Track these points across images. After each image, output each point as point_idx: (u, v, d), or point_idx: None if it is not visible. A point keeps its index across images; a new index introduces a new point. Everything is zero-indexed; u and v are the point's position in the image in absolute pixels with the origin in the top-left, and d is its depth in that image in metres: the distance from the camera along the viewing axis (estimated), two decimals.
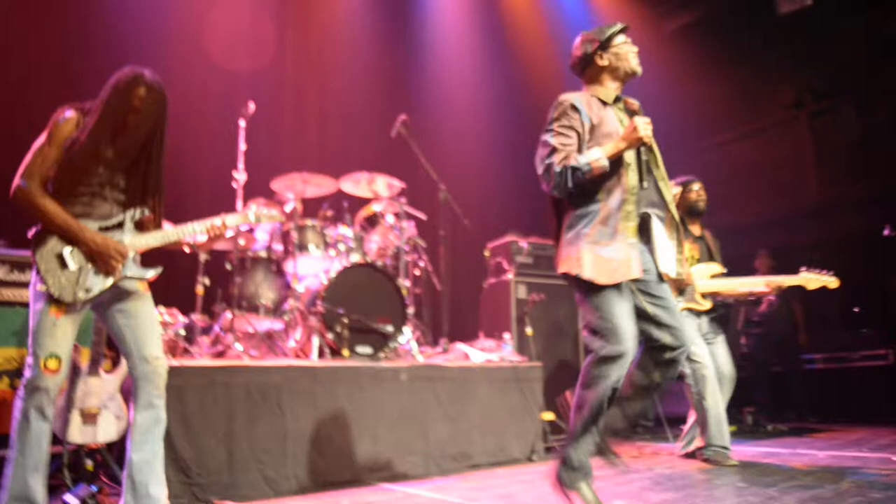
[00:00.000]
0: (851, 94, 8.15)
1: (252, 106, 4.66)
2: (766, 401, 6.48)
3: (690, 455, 4.28)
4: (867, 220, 7.48)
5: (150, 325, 2.71)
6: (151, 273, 2.75)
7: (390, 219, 5.11)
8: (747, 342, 6.71)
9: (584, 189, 2.65)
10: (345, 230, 4.92)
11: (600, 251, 2.63)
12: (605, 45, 2.81)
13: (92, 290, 2.57)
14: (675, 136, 2.77)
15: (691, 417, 4.35)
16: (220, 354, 4.08)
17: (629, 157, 2.70)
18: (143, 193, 2.73)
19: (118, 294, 2.67)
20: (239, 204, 4.44)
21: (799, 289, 4.41)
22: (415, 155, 5.46)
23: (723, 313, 5.79)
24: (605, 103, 2.79)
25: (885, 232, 7.36)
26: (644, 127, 2.61)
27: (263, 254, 4.72)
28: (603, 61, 2.80)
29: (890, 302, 7.26)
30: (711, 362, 4.25)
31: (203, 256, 4.43)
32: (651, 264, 2.72)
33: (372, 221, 5.15)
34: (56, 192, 2.55)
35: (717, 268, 4.46)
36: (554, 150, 2.64)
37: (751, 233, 7.83)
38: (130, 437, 2.65)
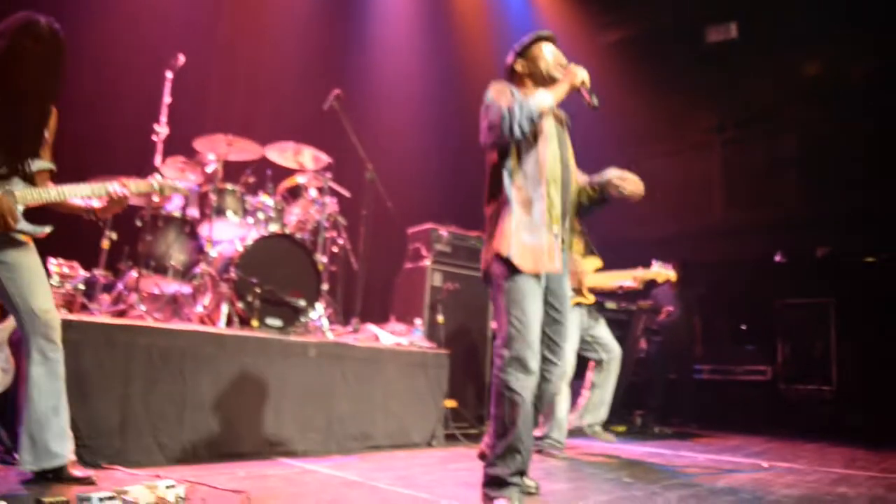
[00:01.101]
0: (763, 125, 8.70)
1: (181, 58, 4.46)
2: (657, 405, 6.83)
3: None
4: (763, 246, 8.01)
5: (34, 276, 2.60)
6: (43, 230, 2.65)
7: (313, 192, 5.02)
8: (647, 349, 7.04)
9: (516, 170, 2.69)
10: (266, 199, 4.81)
11: (525, 237, 2.64)
12: (522, 52, 2.93)
13: None
14: (597, 145, 2.88)
15: (582, 398, 4.60)
16: (122, 314, 3.91)
17: (553, 144, 2.77)
18: (35, 144, 2.61)
19: (1, 246, 2.55)
20: (158, 159, 4.25)
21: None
22: (345, 131, 5.39)
23: (624, 320, 6.08)
24: None
25: (777, 258, 7.93)
26: (581, 71, 2.73)
27: (177, 214, 4.53)
28: (522, 69, 2.92)
29: (773, 323, 7.81)
30: (573, 365, 4.52)
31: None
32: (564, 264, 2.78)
33: (294, 193, 5.06)
34: None
35: (598, 262, 4.69)
36: (497, 104, 2.65)
37: (660, 246, 8.20)
38: (26, 391, 2.53)
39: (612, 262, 4.89)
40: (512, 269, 2.63)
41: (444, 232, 5.65)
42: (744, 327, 8.41)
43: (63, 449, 2.57)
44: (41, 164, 2.66)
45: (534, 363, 2.58)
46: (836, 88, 8.05)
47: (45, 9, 2.63)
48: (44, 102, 2.61)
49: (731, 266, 8.25)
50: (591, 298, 4.61)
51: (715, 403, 7.71)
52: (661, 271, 4.89)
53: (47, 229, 2.66)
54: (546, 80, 2.87)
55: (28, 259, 2.60)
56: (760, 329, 8.00)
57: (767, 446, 5.47)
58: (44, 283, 2.63)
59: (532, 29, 3.01)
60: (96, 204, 2.76)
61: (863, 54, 8.01)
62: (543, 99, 2.66)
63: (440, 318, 5.28)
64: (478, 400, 5.48)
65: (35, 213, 2.63)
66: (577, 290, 4.55)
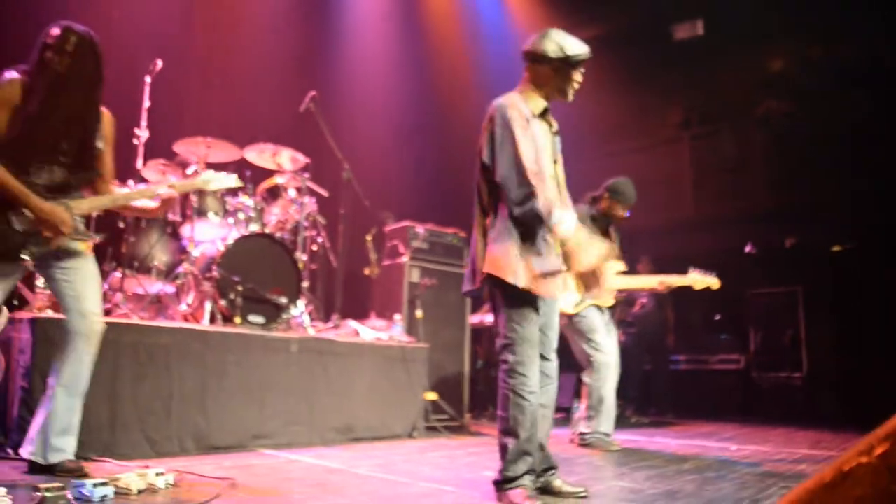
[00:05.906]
0: (730, 120, 8.93)
1: (159, 63, 4.54)
2: (635, 395, 7.01)
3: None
4: (733, 237, 8.23)
5: (90, 282, 2.78)
6: (96, 237, 2.85)
7: (292, 193, 5.13)
8: (623, 340, 7.21)
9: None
10: (246, 199, 4.90)
11: (534, 262, 2.61)
12: (569, 62, 2.75)
13: (35, 253, 2.63)
14: (573, 141, 2.88)
15: (582, 404, 4.55)
16: (107, 313, 3.99)
17: (549, 160, 2.72)
18: (88, 156, 2.76)
19: (61, 253, 2.72)
20: (140, 162, 4.33)
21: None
22: (321, 132, 5.50)
23: None
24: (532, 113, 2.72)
25: (747, 249, 8.16)
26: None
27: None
28: (556, 75, 2.76)
29: (745, 312, 8.04)
30: (616, 353, 4.56)
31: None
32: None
33: (274, 193, 5.16)
34: (4, 156, 2.55)
35: (620, 265, 4.72)
36: (531, 180, 2.54)
37: (633, 239, 8.42)
38: (54, 388, 2.70)
39: None
40: (514, 289, 2.59)
41: (420, 229, 5.77)
42: (717, 317, 8.65)
43: (68, 445, 2.72)
44: (92, 173, 2.80)
45: (536, 366, 2.63)
46: (799, 82, 8.30)
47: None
48: (85, 113, 2.72)
49: (703, 258, 8.45)
50: (610, 301, 4.61)
51: (690, 392, 7.93)
52: (700, 278, 4.67)
53: (97, 238, 2.86)
54: (557, 97, 2.80)
55: (86, 265, 2.79)
56: (733, 318, 8.24)
57: (739, 432, 5.67)
58: (96, 289, 2.80)
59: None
60: (150, 205, 2.93)
61: (825, 48, 8.26)
62: (567, 223, 2.59)
63: (419, 313, 5.41)
64: (457, 392, 5.62)
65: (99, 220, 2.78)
66: (590, 289, 4.53)
